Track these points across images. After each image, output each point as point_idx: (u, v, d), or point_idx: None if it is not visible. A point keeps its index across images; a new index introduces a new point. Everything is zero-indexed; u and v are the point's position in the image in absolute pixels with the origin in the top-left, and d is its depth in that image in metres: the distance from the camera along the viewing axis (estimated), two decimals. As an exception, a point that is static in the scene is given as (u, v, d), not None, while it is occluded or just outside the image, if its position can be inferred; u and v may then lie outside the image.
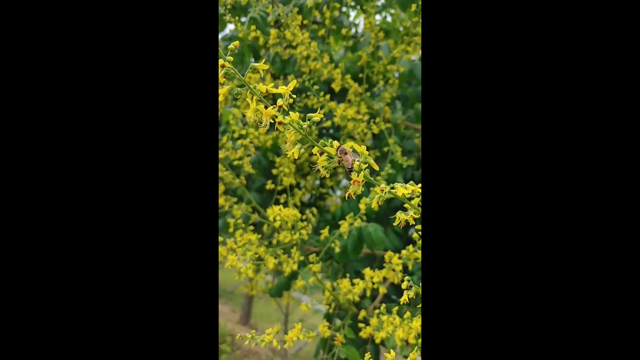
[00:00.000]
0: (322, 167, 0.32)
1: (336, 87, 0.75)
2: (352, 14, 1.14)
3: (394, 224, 0.34)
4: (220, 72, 0.31)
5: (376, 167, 0.33)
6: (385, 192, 0.33)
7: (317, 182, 1.07)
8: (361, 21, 0.99)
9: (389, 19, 1.11)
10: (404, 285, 0.37)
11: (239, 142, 0.74)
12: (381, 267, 0.99)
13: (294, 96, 0.31)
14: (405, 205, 0.36)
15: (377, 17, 1.06)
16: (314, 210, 0.77)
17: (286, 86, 0.31)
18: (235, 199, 0.83)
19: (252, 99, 0.32)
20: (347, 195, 0.32)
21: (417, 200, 0.38)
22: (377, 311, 0.56)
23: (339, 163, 0.31)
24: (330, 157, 0.32)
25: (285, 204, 0.88)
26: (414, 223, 0.36)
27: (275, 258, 0.71)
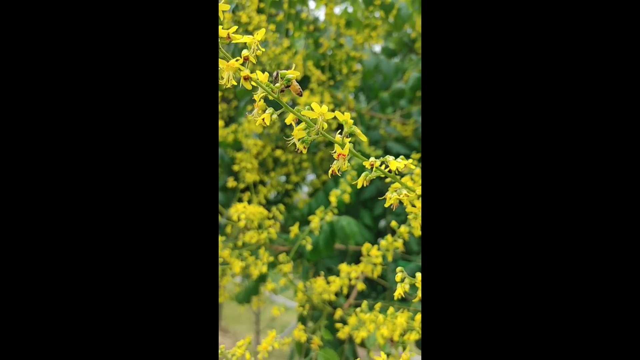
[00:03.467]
0: (299, 140, 0.27)
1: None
2: (312, 4, 1.09)
3: (385, 205, 0.30)
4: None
5: (364, 138, 0.29)
6: (375, 168, 0.28)
7: (283, 178, 1.02)
8: (322, 12, 0.95)
9: (350, 9, 1.07)
10: (397, 278, 0.33)
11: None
12: (355, 262, 0.96)
13: (262, 49, 0.26)
14: (394, 186, 0.32)
15: (337, 9, 1.03)
16: (281, 207, 0.72)
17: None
18: None
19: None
20: (330, 172, 0.28)
21: (408, 178, 0.33)
22: (358, 309, 0.52)
23: (283, 91, 0.26)
24: (309, 125, 0.27)
25: (250, 203, 0.83)
26: (408, 204, 0.32)
27: (242, 260, 0.66)
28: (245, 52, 0.26)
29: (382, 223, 0.93)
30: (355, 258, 0.97)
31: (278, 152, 0.89)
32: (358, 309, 0.51)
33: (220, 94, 0.95)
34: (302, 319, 0.79)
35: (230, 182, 0.77)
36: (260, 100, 0.26)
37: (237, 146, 0.94)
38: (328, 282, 0.58)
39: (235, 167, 0.76)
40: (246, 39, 0.26)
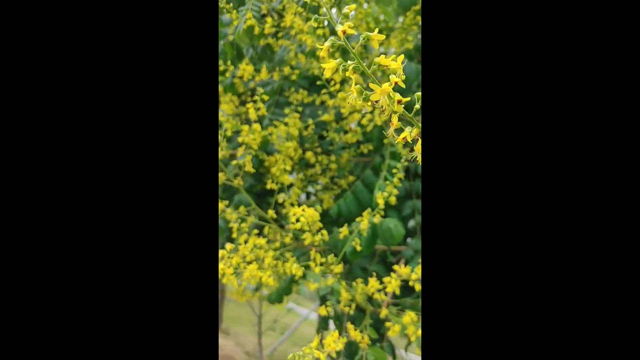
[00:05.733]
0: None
1: (338, 77, 0.72)
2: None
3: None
4: (326, 44, 0.27)
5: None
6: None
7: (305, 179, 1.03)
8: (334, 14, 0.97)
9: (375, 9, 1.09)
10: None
11: (240, 139, 0.69)
12: (381, 262, 0.97)
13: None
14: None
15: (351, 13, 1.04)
16: (318, 208, 0.73)
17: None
18: (226, 202, 0.77)
19: (354, 74, 0.28)
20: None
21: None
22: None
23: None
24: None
25: (282, 204, 0.84)
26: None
27: (284, 262, 0.67)
28: (393, 78, 0.27)
29: (412, 223, 0.95)
30: (383, 258, 0.99)
31: (308, 154, 0.90)
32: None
33: (237, 100, 0.96)
34: (339, 319, 0.81)
35: (269, 185, 0.78)
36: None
37: (264, 147, 0.95)
38: (382, 282, 0.60)
39: (274, 170, 0.77)
40: (393, 65, 0.28)
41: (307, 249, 0.83)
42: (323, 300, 1.02)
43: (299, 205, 0.92)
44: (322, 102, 0.92)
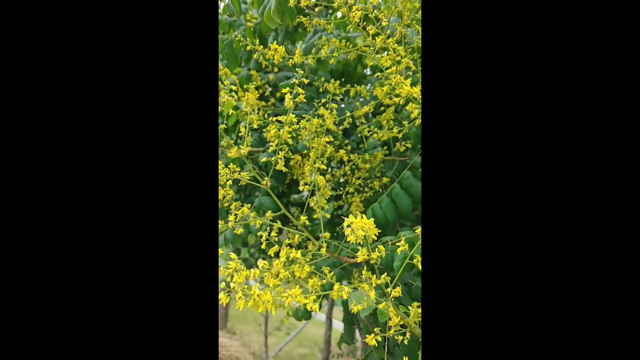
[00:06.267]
0: None
1: (385, 62, 0.61)
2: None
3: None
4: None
5: None
6: None
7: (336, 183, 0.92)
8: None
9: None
10: None
11: (272, 133, 0.58)
12: (418, 274, 0.86)
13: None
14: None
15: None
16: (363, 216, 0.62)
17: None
18: (248, 205, 0.67)
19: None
20: None
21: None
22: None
23: None
24: None
25: (311, 209, 0.73)
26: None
27: (322, 279, 0.57)
28: None
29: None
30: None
31: (341, 152, 0.79)
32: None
33: (257, 92, 0.85)
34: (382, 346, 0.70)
35: (302, 186, 0.67)
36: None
37: (288, 144, 0.84)
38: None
39: (306, 169, 0.67)
40: None
41: (342, 260, 0.72)
42: (349, 315, 0.92)
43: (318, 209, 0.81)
44: (358, 93, 0.81)
